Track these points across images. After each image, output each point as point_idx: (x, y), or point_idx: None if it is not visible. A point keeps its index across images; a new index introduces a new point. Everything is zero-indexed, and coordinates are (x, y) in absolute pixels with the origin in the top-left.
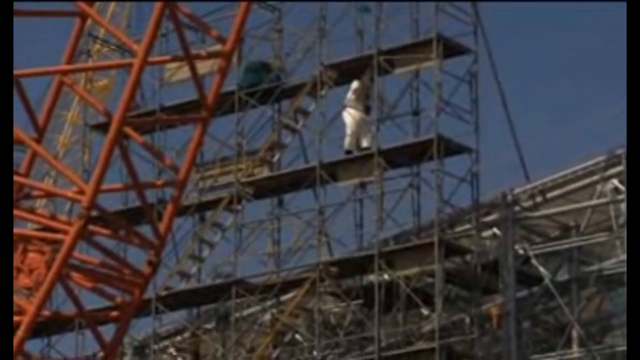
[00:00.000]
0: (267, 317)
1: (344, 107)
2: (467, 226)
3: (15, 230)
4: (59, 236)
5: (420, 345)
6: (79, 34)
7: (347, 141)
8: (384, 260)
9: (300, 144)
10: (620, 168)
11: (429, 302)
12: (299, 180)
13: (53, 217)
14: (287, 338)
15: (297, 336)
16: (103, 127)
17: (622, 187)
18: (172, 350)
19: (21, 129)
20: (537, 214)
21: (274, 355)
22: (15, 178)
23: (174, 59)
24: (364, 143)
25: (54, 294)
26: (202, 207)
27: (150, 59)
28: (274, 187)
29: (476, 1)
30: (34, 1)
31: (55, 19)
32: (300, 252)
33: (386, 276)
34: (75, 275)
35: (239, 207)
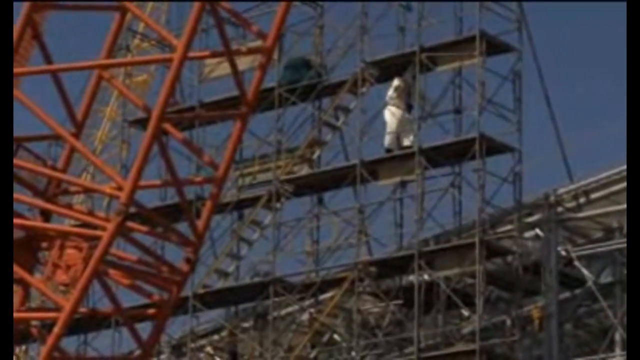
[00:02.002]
0: (306, 316)
1: (385, 104)
2: (509, 227)
3: (53, 225)
4: (96, 232)
5: (460, 346)
6: (118, 28)
7: (388, 139)
8: (424, 260)
9: (340, 142)
10: None
11: (469, 303)
12: (339, 178)
13: (91, 213)
14: (326, 338)
15: (336, 336)
16: (142, 123)
17: None
18: (209, 349)
19: (59, 124)
20: (580, 215)
21: (312, 355)
22: (53, 173)
23: (214, 54)
24: (405, 141)
25: (90, 291)
26: (241, 205)
27: (190, 54)
28: (314, 185)
29: (521, 0)
30: None
31: (96, 13)
32: (339, 251)
33: (426, 276)
34: (112, 272)
35: (278, 205)
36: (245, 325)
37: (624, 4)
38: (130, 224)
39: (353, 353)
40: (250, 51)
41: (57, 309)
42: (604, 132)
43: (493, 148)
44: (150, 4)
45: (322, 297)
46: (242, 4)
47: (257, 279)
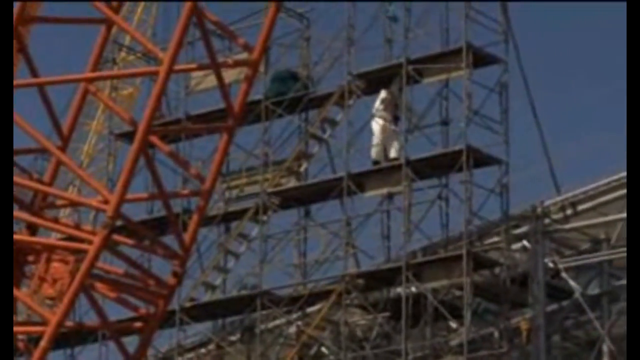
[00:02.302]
0: (293, 329)
1: (372, 116)
2: (496, 239)
3: (39, 239)
4: (83, 246)
5: (448, 359)
6: (104, 41)
7: (375, 151)
8: (411, 272)
9: (327, 154)
10: None
11: (457, 315)
12: (326, 191)
13: (77, 227)
14: (313, 351)
15: (323, 349)
16: (128, 136)
17: None
18: None
19: (45, 138)
20: (567, 226)
21: None
22: (40, 187)
23: (200, 67)
24: (392, 153)
25: (77, 304)
26: (228, 218)
27: (176, 67)
28: (301, 198)
29: (506, 0)
30: (63, 1)
31: (81, 26)
32: (327, 263)
33: (414, 289)
34: (99, 285)
35: (265, 217)
36: (233, 338)
37: (613, 13)
38: (116, 237)
39: None
40: (237, 64)
41: (44, 322)
42: (591, 143)
43: (480, 160)
44: (137, 17)
45: (309, 309)
46: (228, 16)
47: (244, 292)
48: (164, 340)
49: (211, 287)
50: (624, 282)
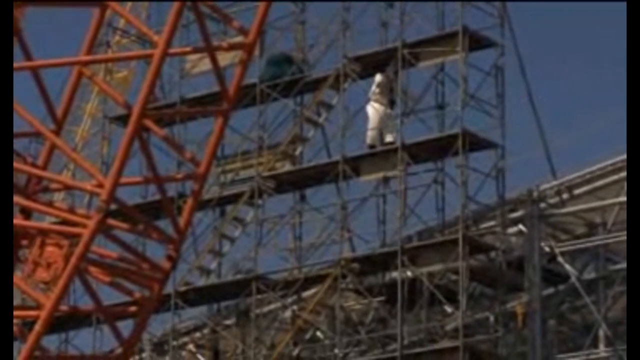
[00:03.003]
0: (288, 313)
1: (367, 100)
2: (492, 223)
3: (33, 223)
4: (77, 230)
5: (444, 343)
6: (98, 24)
7: (370, 135)
8: (407, 256)
9: (322, 138)
10: None
11: (452, 299)
12: (321, 175)
13: (71, 211)
14: (308, 335)
15: (318, 333)
16: (122, 120)
17: None
18: (191, 346)
19: (40, 121)
20: (563, 210)
21: (295, 352)
22: (34, 170)
23: (195, 50)
24: (388, 137)
25: (71, 288)
26: (223, 202)
27: (171, 50)
28: (296, 182)
29: None
30: None
31: (75, 9)
32: (322, 247)
33: (409, 273)
34: (93, 269)
35: (260, 201)
36: (228, 322)
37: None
38: (111, 221)
39: (336, 350)
40: (232, 47)
41: (38, 307)
42: (588, 128)
43: (476, 144)
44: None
45: (304, 294)
46: None
47: (239, 276)
48: (158, 325)
49: (206, 271)
50: (620, 266)
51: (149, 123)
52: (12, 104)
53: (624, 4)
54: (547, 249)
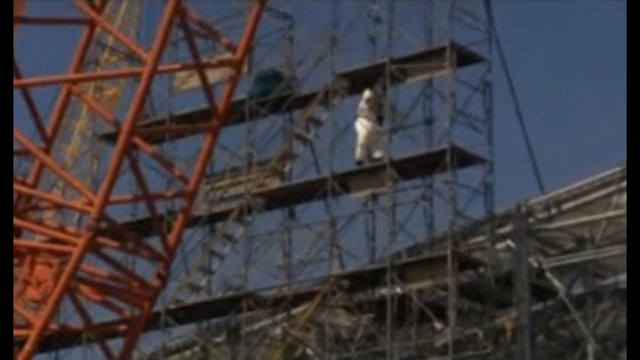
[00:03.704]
0: (278, 330)
1: (356, 116)
2: (481, 238)
3: (23, 242)
4: (67, 248)
5: (434, 359)
6: (87, 42)
7: (359, 152)
8: (396, 273)
9: (312, 154)
10: None
11: (442, 315)
12: (310, 191)
13: (61, 229)
14: (298, 352)
15: (308, 350)
16: (112, 137)
17: None
18: None
19: (29, 139)
20: (551, 225)
21: None
22: (23, 189)
23: (184, 67)
24: (376, 154)
25: (61, 307)
26: (212, 219)
27: (160, 67)
28: (285, 198)
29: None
30: (46, 0)
31: (64, 27)
32: (312, 264)
33: (398, 289)
34: (83, 288)
35: (249, 218)
36: (218, 340)
37: (598, 13)
38: (100, 239)
39: None
40: (221, 64)
41: (28, 325)
42: (576, 142)
43: (464, 159)
44: (120, 17)
45: (294, 311)
46: (211, 16)
47: (229, 294)
48: (148, 343)
49: (196, 289)
50: (608, 281)
51: (138, 140)
52: (12, 123)
53: (613, 16)
54: (535, 264)
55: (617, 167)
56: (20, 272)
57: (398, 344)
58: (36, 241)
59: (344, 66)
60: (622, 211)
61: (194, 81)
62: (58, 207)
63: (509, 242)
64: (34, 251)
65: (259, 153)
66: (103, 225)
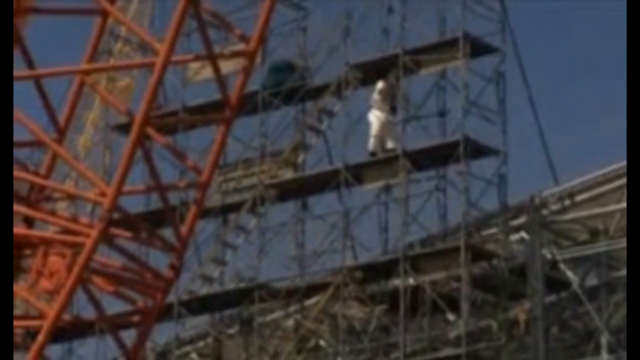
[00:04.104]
0: (291, 322)
1: (369, 107)
2: (494, 230)
3: (36, 232)
4: (80, 239)
5: (446, 351)
6: (100, 32)
7: (372, 143)
8: (409, 264)
9: (324, 145)
10: None
11: (455, 307)
12: (323, 182)
13: (74, 220)
14: (311, 344)
15: (321, 342)
16: (125, 128)
17: None
18: (194, 355)
19: (42, 130)
20: (565, 217)
21: None
22: (36, 179)
23: (197, 58)
24: (389, 144)
25: (74, 298)
26: (225, 210)
27: (173, 58)
28: (298, 189)
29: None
30: None
31: (77, 17)
32: (325, 255)
33: (411, 281)
34: (96, 279)
35: (262, 209)
36: (231, 331)
37: (612, 4)
38: (113, 230)
39: (339, 358)
40: (234, 54)
41: (41, 316)
42: (590, 133)
43: (477, 150)
44: (133, 7)
45: (307, 302)
46: (225, 6)
47: (242, 285)
48: (161, 334)
49: (209, 280)
50: (622, 273)
51: (151, 131)
52: (12, 112)
53: (613, 16)
54: (549, 256)
55: None
56: (33, 263)
57: (411, 336)
58: (49, 232)
59: (357, 57)
60: None
61: (207, 72)
62: (71, 198)
63: (523, 234)
64: (47, 242)
65: (272, 144)
66: (116, 216)
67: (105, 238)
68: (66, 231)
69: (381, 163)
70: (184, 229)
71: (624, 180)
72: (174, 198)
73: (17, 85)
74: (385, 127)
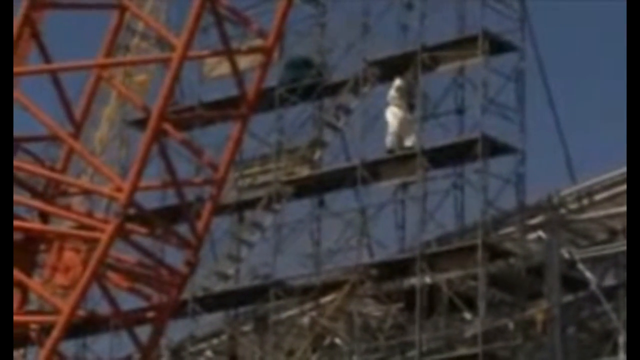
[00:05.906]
0: (306, 320)
1: (386, 105)
2: (512, 229)
3: (52, 227)
4: (95, 234)
5: (462, 350)
6: (117, 27)
7: (390, 140)
8: (425, 262)
9: (341, 142)
10: None
11: (471, 306)
12: (340, 180)
13: (90, 215)
14: (326, 342)
15: (337, 340)
16: (141, 123)
17: None
18: (208, 352)
19: (58, 125)
20: (583, 216)
21: (313, 359)
22: (52, 175)
23: (214, 53)
24: (407, 142)
25: (89, 293)
26: (241, 206)
27: (190, 53)
28: (315, 186)
29: None
30: None
31: (94, 12)
32: (341, 253)
33: (428, 279)
34: (111, 274)
35: (279, 206)
36: (245, 328)
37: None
38: (129, 225)
39: (354, 357)
40: (251, 50)
41: (56, 312)
42: (608, 133)
43: (495, 149)
44: (150, 2)
45: (323, 300)
46: (242, 2)
47: (257, 282)
48: (176, 331)
49: (224, 277)
50: None
51: (167, 127)
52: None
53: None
54: (567, 256)
55: None
56: (48, 258)
57: (427, 334)
58: (64, 227)
59: (375, 54)
60: None
61: (224, 68)
62: (86, 193)
63: (540, 233)
64: (62, 237)
65: (289, 141)
66: (132, 211)
67: (121, 233)
68: (81, 226)
69: (398, 160)
70: (199, 226)
71: None
72: (190, 194)
73: (33, 80)
74: (403, 124)
